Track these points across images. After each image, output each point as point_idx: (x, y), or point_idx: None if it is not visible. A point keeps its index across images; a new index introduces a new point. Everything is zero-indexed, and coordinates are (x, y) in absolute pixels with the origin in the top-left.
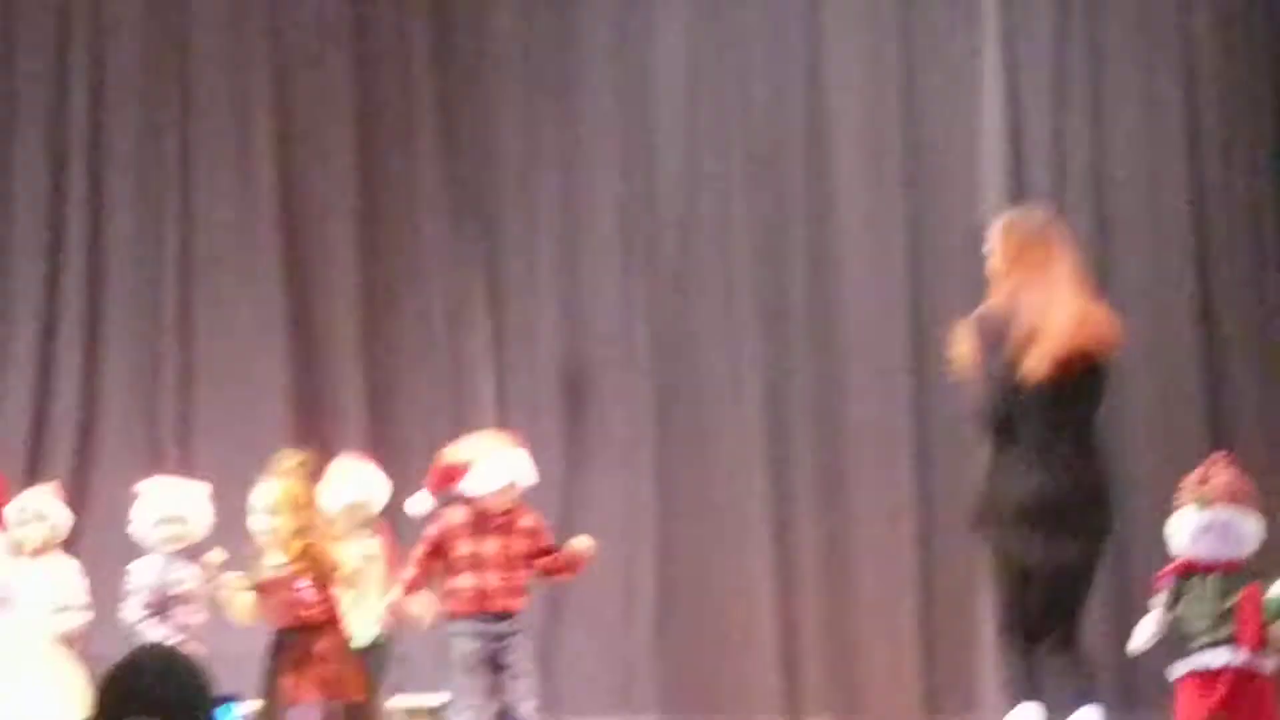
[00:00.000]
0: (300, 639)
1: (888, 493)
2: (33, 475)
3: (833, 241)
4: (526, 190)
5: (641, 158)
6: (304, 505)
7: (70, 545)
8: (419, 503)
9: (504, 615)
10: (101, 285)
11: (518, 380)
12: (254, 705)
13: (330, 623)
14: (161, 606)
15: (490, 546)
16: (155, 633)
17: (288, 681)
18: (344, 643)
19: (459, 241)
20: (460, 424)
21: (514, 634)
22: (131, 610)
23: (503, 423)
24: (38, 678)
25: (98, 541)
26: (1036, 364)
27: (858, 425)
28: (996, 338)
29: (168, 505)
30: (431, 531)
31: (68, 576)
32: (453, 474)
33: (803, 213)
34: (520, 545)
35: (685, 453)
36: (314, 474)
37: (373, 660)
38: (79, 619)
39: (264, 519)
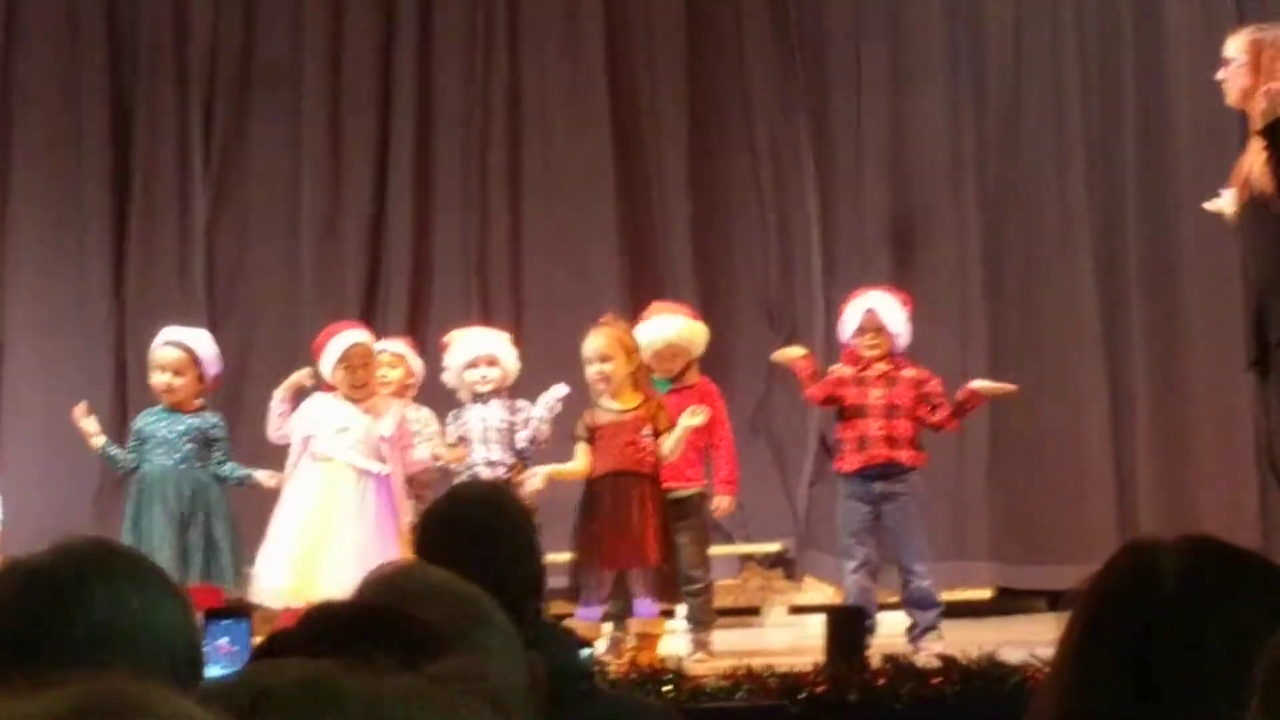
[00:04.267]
0: (627, 488)
1: (1223, 333)
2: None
3: (1164, 79)
4: (853, 37)
5: (969, 2)
6: (633, 352)
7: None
8: None
9: None
10: (429, 145)
11: (844, 229)
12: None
13: (655, 478)
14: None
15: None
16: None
17: (607, 543)
18: (665, 501)
19: (786, 90)
20: (787, 275)
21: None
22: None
23: (829, 272)
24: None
25: (428, 390)
26: None
27: (1191, 265)
28: None
29: (479, 348)
30: None
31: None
32: None
33: (1133, 53)
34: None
35: (1015, 299)
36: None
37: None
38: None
39: (595, 366)
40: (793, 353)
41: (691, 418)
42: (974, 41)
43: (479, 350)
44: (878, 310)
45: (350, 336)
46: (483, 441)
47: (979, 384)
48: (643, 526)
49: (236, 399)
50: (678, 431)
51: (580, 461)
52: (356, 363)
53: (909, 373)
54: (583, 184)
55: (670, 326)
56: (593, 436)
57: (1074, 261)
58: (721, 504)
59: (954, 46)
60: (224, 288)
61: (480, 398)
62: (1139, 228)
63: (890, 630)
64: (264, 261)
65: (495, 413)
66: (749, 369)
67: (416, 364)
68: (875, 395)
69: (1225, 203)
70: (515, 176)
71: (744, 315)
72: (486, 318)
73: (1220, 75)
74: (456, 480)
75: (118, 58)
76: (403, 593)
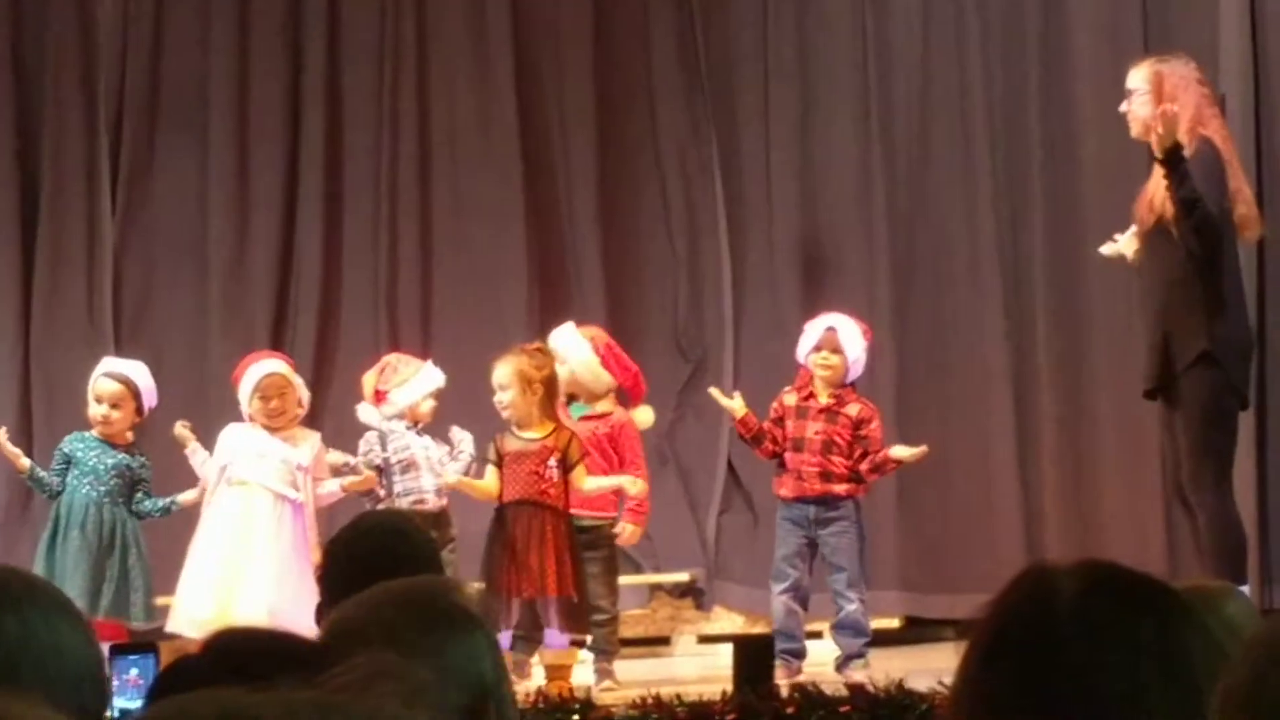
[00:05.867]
0: (528, 518)
1: (1130, 363)
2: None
3: (1071, 110)
4: (762, 66)
5: (876, 22)
6: (535, 383)
7: (311, 425)
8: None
9: None
10: (338, 173)
11: (753, 258)
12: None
13: (562, 511)
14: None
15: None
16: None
17: (508, 571)
18: (570, 532)
19: (694, 119)
20: (696, 304)
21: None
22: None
23: (739, 301)
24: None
25: (338, 420)
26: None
27: (1097, 295)
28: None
29: (442, 379)
30: None
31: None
32: None
33: (1039, 85)
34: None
35: (922, 327)
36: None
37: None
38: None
39: (496, 395)
40: (735, 408)
41: (631, 485)
42: (881, 71)
43: (442, 381)
44: (838, 330)
45: (266, 366)
46: (430, 470)
47: (897, 451)
48: (543, 557)
49: (143, 427)
50: (607, 483)
51: (489, 482)
52: (271, 393)
53: (853, 409)
54: (492, 215)
55: (579, 357)
56: (501, 461)
57: (981, 291)
58: (625, 531)
59: (862, 76)
60: (131, 316)
61: (414, 428)
62: (1046, 258)
63: (815, 660)
64: (171, 290)
65: (431, 443)
66: (658, 398)
67: (305, 393)
68: (813, 430)
69: (1122, 245)
70: (425, 206)
71: (653, 344)
72: (395, 348)
73: (1124, 107)
74: (383, 506)
75: (23, 82)
76: (370, 601)
